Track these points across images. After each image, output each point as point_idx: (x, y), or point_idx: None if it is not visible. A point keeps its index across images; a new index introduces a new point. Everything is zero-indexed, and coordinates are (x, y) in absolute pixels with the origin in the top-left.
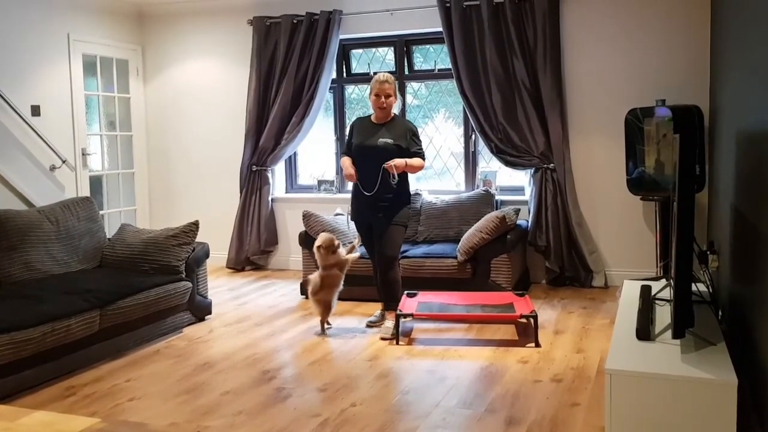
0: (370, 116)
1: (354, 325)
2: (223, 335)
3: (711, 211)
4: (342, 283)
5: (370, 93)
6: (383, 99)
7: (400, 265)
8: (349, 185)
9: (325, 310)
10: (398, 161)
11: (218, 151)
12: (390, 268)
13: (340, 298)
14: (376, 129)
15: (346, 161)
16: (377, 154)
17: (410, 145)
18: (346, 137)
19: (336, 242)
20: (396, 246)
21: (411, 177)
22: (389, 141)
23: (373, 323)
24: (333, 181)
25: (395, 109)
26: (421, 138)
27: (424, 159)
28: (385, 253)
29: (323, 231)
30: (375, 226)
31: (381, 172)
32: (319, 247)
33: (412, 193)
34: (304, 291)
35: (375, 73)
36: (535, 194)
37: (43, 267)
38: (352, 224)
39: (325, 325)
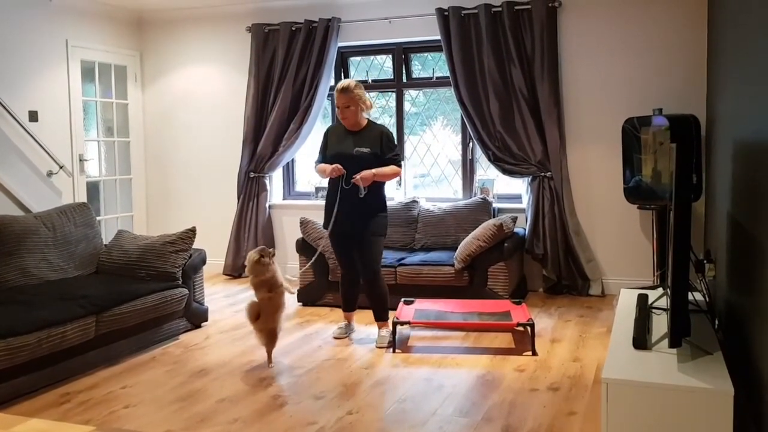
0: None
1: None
2: (220, 342)
3: (707, 220)
4: (283, 307)
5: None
6: (343, 110)
7: (383, 276)
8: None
9: (270, 338)
10: (365, 173)
11: (216, 157)
12: (376, 279)
13: (337, 305)
14: (350, 136)
15: (322, 165)
16: (353, 163)
17: (385, 151)
18: (321, 144)
19: (268, 251)
20: (379, 257)
21: (409, 183)
22: (365, 150)
23: (341, 336)
24: None
25: (366, 115)
26: (396, 143)
27: (399, 166)
28: (371, 266)
29: (319, 239)
30: (357, 238)
31: (349, 186)
32: (252, 263)
33: (409, 200)
34: (300, 298)
35: (377, 80)
36: (533, 202)
37: (39, 273)
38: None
39: (271, 357)
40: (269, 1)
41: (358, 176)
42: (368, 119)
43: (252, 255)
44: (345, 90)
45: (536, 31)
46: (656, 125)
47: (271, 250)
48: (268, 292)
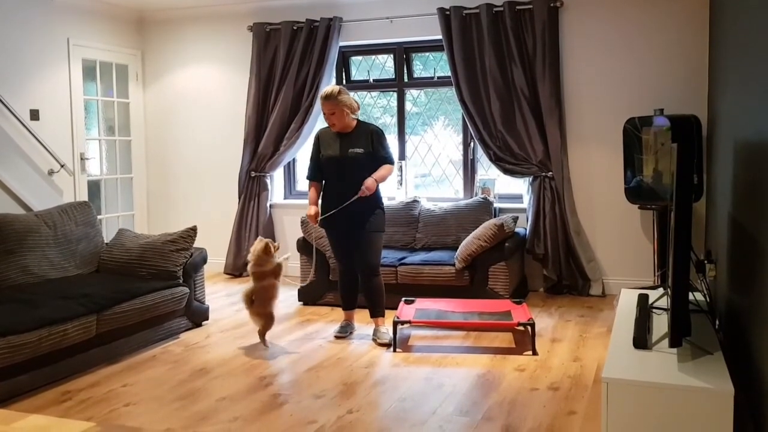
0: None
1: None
2: (220, 341)
3: (708, 221)
4: (276, 296)
5: None
6: (328, 116)
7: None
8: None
9: (267, 321)
10: (370, 184)
11: (217, 156)
12: (375, 275)
13: (338, 305)
14: (342, 139)
15: (313, 193)
16: (348, 166)
17: (377, 149)
18: (312, 150)
19: (273, 244)
20: (379, 254)
21: (410, 183)
22: (359, 151)
23: (341, 335)
24: None
25: (354, 116)
26: (386, 141)
27: (392, 163)
28: (371, 261)
29: (320, 238)
30: (355, 235)
31: (355, 195)
32: (257, 255)
33: (410, 200)
34: (300, 297)
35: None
36: (534, 202)
37: (40, 271)
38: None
39: (266, 339)
40: (271, 0)
41: (364, 188)
42: (357, 120)
43: (259, 244)
44: (328, 97)
45: (538, 30)
46: (657, 125)
47: (276, 244)
48: (262, 281)
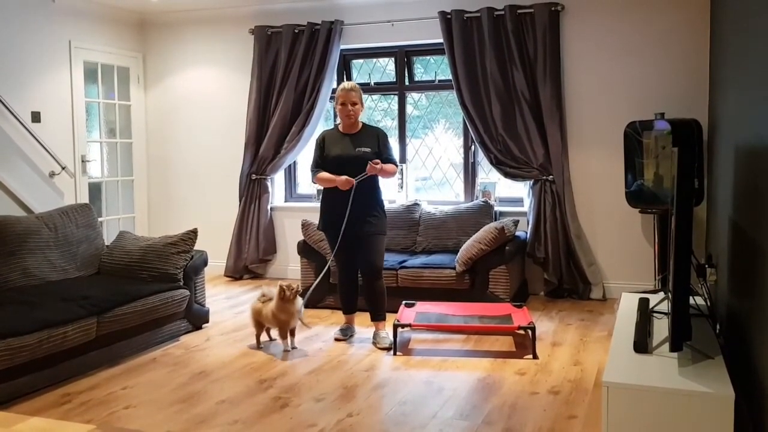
0: (336, 127)
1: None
2: (220, 344)
3: (709, 225)
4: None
5: (336, 103)
6: (350, 107)
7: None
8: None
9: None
10: (376, 163)
11: (218, 159)
12: (378, 277)
13: (338, 308)
14: (349, 139)
15: (326, 174)
16: (357, 164)
17: (383, 151)
18: (315, 152)
19: (291, 289)
20: (383, 256)
21: (411, 186)
22: (367, 150)
23: (341, 338)
24: None
25: (361, 118)
26: (391, 144)
27: (396, 165)
28: (374, 264)
29: (321, 241)
30: (357, 238)
31: (362, 174)
32: (284, 294)
33: (411, 203)
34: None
35: (379, 81)
36: (534, 206)
37: (40, 273)
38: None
39: (291, 341)
40: (272, 3)
41: (376, 164)
42: (361, 122)
43: (276, 290)
44: (353, 89)
45: (539, 34)
46: (658, 129)
47: (295, 287)
48: (280, 318)
